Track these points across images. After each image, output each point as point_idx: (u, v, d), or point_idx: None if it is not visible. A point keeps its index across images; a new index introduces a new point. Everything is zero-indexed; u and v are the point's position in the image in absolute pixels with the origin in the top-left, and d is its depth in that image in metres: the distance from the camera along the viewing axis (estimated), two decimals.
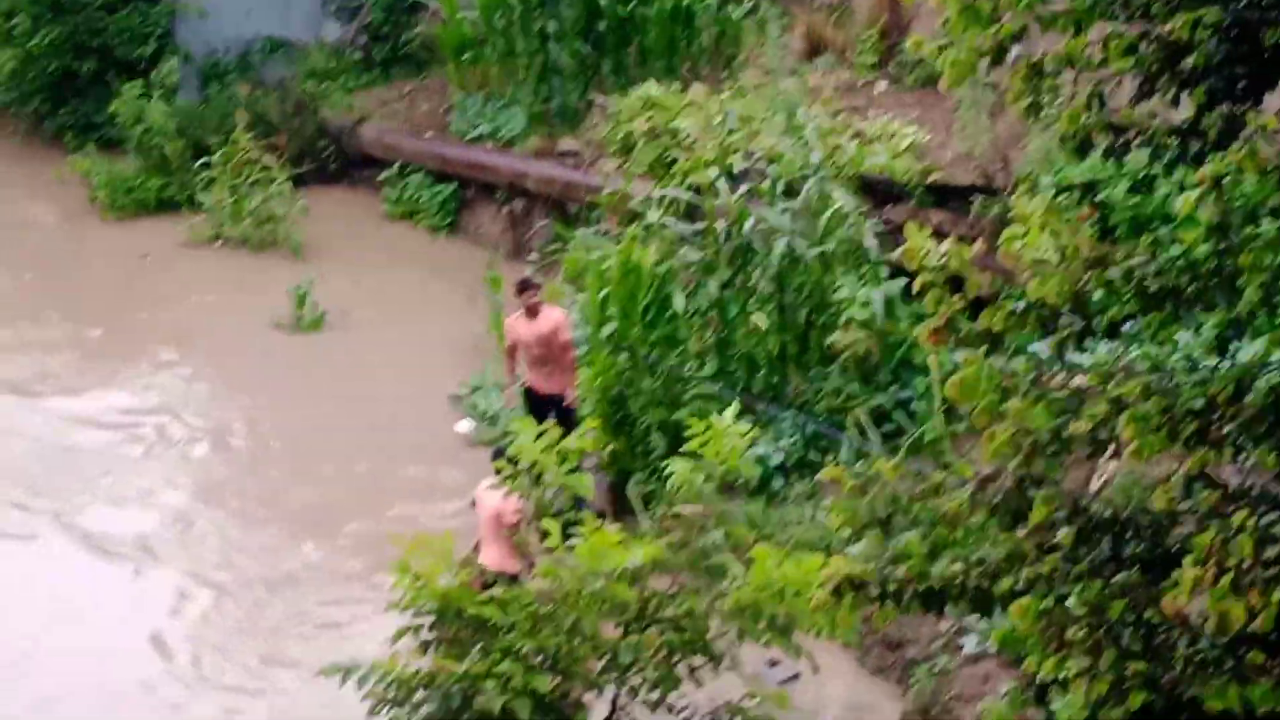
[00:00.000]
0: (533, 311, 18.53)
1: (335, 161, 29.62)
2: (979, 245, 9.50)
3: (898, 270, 18.04)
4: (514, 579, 15.00)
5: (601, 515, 15.27)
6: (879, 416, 18.33)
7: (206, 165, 27.75)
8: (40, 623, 17.10)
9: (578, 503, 14.37)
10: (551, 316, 18.62)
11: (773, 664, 15.47)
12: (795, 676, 15.33)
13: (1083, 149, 9.41)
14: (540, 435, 13.98)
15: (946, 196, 20.51)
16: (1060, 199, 9.68)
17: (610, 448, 18.08)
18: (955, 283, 9.38)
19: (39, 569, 18.36)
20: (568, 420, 17.79)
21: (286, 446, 20.85)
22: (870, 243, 19.04)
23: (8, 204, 28.91)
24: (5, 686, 16.05)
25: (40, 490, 19.73)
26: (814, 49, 26.15)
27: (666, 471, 14.75)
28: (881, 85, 24.70)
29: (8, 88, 30.68)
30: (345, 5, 31.45)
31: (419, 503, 18.91)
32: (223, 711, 15.65)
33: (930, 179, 20.92)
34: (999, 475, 9.32)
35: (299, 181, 27.95)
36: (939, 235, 9.73)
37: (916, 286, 9.42)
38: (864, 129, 22.36)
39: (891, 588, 9.48)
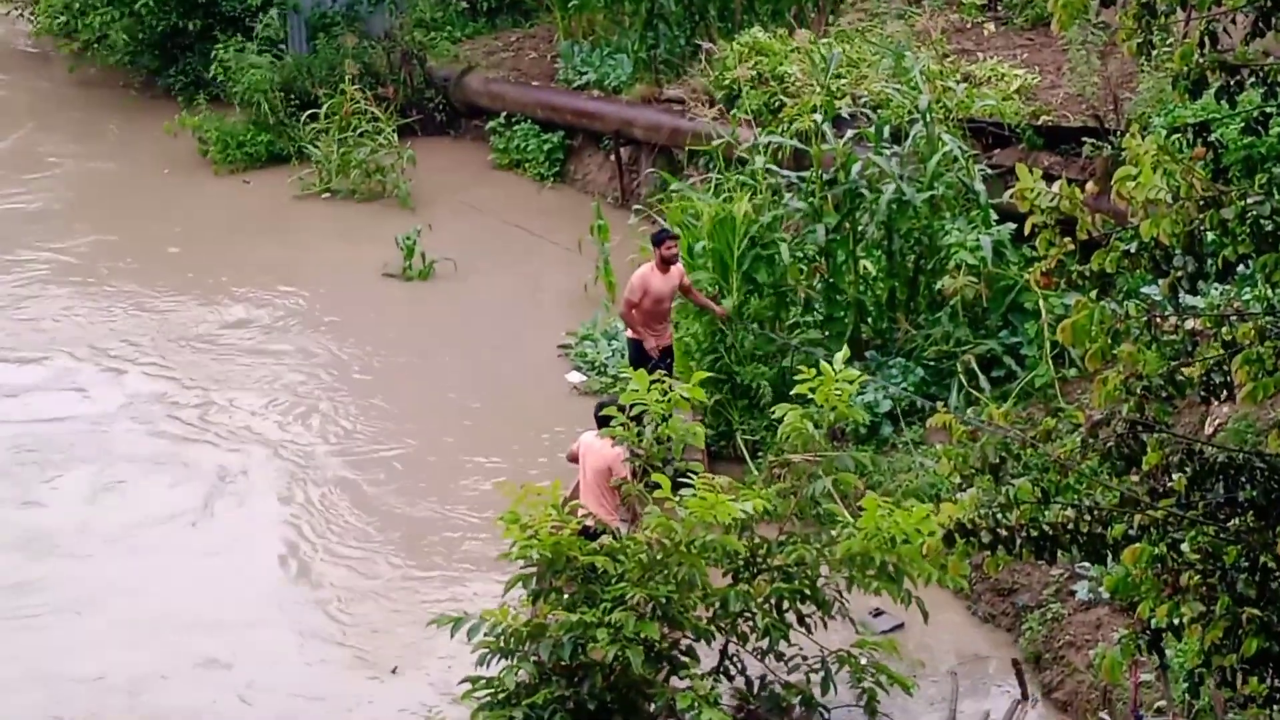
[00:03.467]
0: (667, 263, 18.41)
1: (442, 112, 29.68)
2: (1090, 186, 9.38)
3: (1006, 214, 17.90)
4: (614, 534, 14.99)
5: (701, 461, 15.23)
6: (988, 362, 18.21)
7: (315, 118, 27.86)
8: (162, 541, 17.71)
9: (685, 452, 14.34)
10: (678, 269, 18.47)
11: (877, 613, 15.42)
12: (899, 626, 15.27)
13: (1195, 89, 9.28)
14: (653, 385, 13.95)
15: (1056, 139, 20.31)
16: (1173, 139, 9.55)
17: (714, 398, 18.03)
18: (1066, 225, 9.27)
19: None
20: (670, 372, 17.78)
21: (395, 394, 20.92)
22: (979, 187, 18.89)
23: (126, 159, 29.20)
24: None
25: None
26: None
27: (774, 419, 14.72)
28: (990, 27, 24.52)
29: (120, 47, 30.83)
30: None
31: (526, 452, 18.91)
32: (337, 661, 15.71)
33: (1040, 121, 20.74)
34: (1111, 420, 9.22)
35: (406, 132, 28.08)
36: (1049, 178, 9.58)
37: (1027, 229, 9.32)
38: (972, 71, 22.20)
39: (1002, 534, 9.40)
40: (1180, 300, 9.21)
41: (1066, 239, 9.22)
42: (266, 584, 17.13)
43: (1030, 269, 9.63)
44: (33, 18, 33.29)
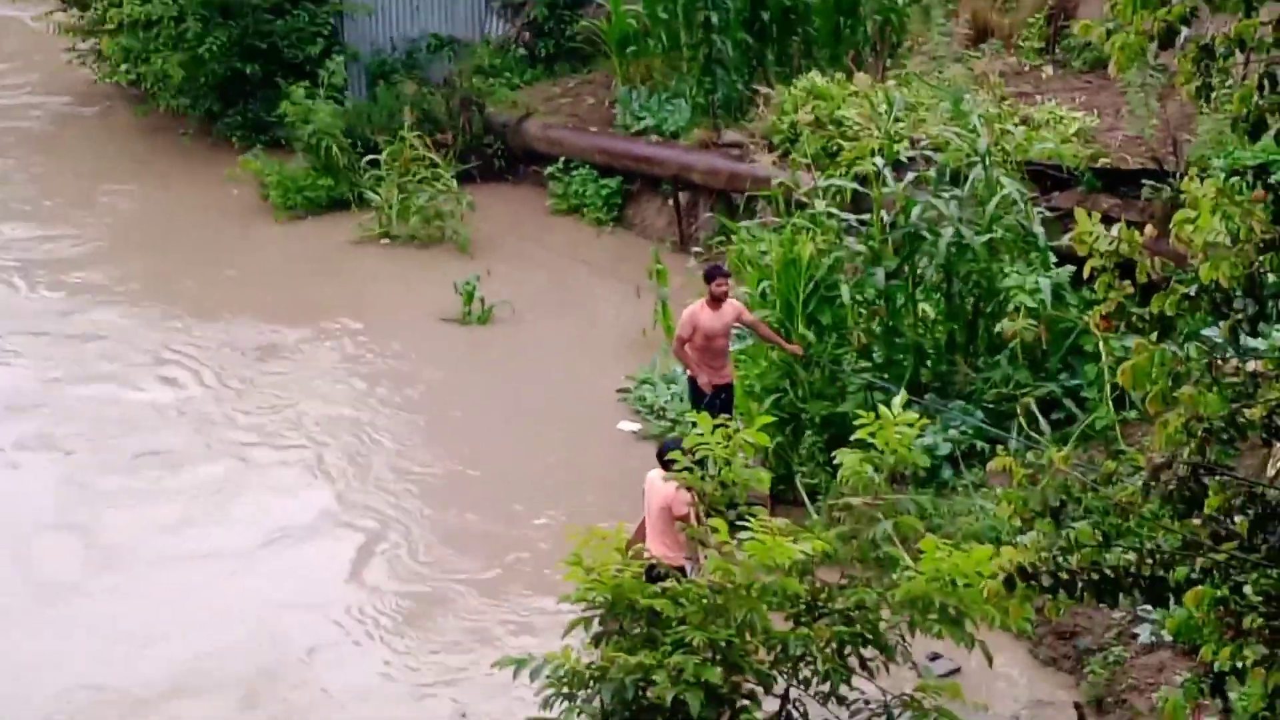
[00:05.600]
0: (718, 301, 18.48)
1: (500, 157, 29.82)
2: (1150, 229, 9.38)
3: (1066, 257, 17.90)
4: (680, 570, 15.01)
5: (763, 505, 15.24)
6: (1048, 405, 18.19)
7: (375, 164, 28.03)
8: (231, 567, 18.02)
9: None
10: (733, 306, 18.55)
11: (934, 657, 15.38)
12: (957, 670, 15.23)
13: (1255, 131, 9.27)
14: (717, 428, 13.95)
15: (1115, 181, 20.31)
16: (1232, 182, 9.56)
17: (775, 441, 18.04)
18: (1126, 268, 9.27)
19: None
20: (730, 411, 17.82)
21: (453, 438, 21.02)
22: (1038, 229, 18.89)
23: (185, 204, 29.36)
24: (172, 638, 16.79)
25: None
26: (979, 34, 26.05)
27: (835, 463, 14.72)
28: (1048, 70, 24.56)
29: (179, 90, 31.07)
30: (509, 2, 31.73)
31: (583, 496, 18.95)
32: (398, 711, 15.78)
33: (1099, 163, 20.72)
34: (1172, 463, 9.19)
35: (465, 178, 28.21)
36: (1108, 220, 9.60)
37: (1086, 272, 9.32)
38: (1031, 114, 22.20)
39: (1064, 577, 9.38)
40: (1241, 342, 9.19)
41: (1126, 282, 9.22)
42: (327, 619, 17.27)
43: (1090, 312, 9.64)
44: (95, 66, 33.52)
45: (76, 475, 20.29)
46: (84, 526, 19.10)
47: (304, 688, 16.09)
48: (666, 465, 14.96)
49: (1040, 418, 17.85)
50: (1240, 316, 9.02)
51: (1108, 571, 9.32)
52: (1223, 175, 15.54)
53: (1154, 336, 9.24)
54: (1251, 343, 10.38)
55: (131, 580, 17.99)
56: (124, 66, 31.93)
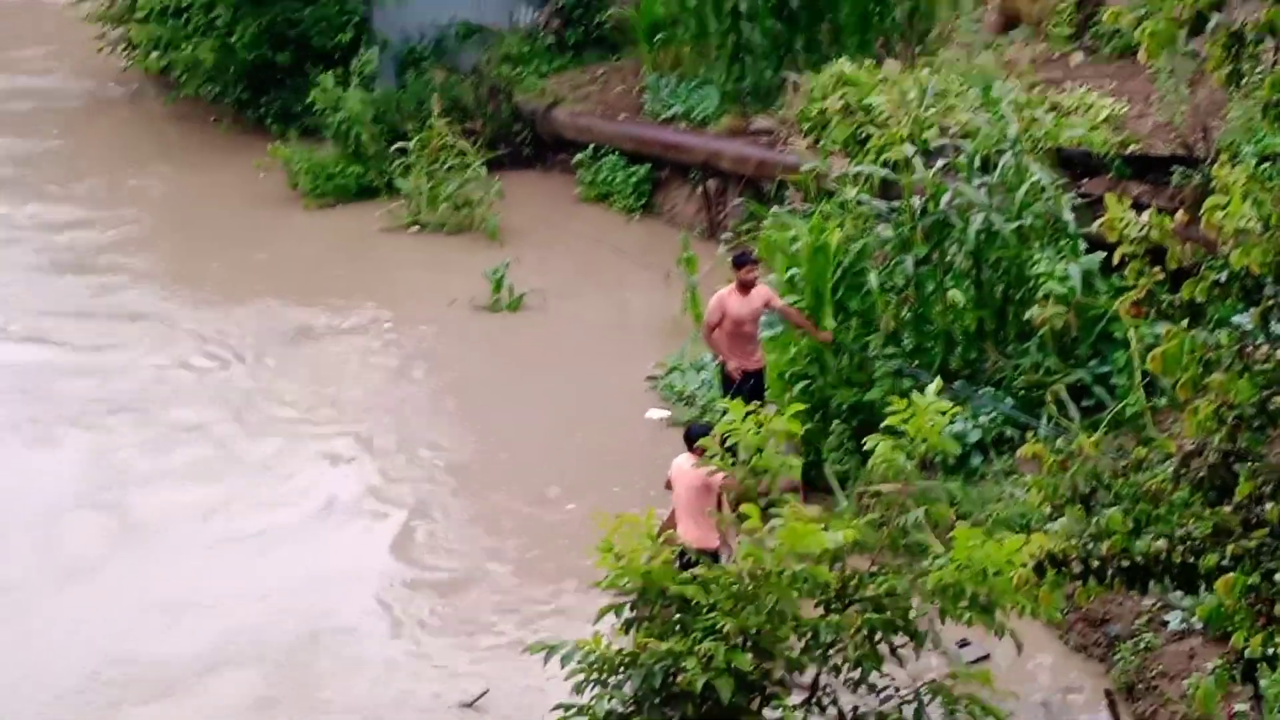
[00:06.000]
0: (746, 287, 18.50)
1: (529, 145, 29.85)
2: (1180, 216, 9.38)
3: (1096, 243, 17.88)
4: (714, 555, 15.04)
5: (795, 491, 15.26)
6: (1078, 392, 18.17)
7: (404, 151, 28.06)
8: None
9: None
10: (762, 293, 18.56)
11: (963, 643, 15.37)
12: (986, 656, 15.22)
13: None
14: (749, 415, 13.97)
15: (1145, 168, 20.27)
16: (1263, 168, 9.55)
17: (805, 428, 18.04)
18: (1156, 254, 9.27)
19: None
20: (760, 397, 17.84)
21: (482, 424, 21.09)
22: (1068, 216, 18.86)
23: (215, 191, 29.50)
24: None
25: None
26: (1008, 22, 26.00)
27: (865, 450, 14.72)
28: (1078, 57, 24.50)
29: (209, 78, 31.14)
30: None
31: (613, 483, 18.97)
32: (437, 693, 15.83)
33: (1129, 150, 20.69)
34: (1203, 450, 9.20)
35: (494, 165, 28.18)
36: (1138, 207, 9.59)
37: (1116, 259, 9.32)
38: (1060, 101, 22.16)
39: (1094, 565, 9.38)
40: (1271, 329, 9.18)
41: (1156, 268, 9.22)
42: (359, 596, 17.45)
43: (1120, 298, 9.63)
44: (126, 54, 33.60)
45: (112, 452, 20.59)
46: (119, 503, 19.35)
47: (334, 662, 16.25)
48: (693, 449, 15.05)
49: (1070, 404, 17.83)
50: (1271, 303, 9.02)
51: (1138, 559, 9.32)
52: (1254, 161, 15.57)
53: (1184, 323, 9.24)
54: None
55: (167, 556, 18.23)
56: (154, 54, 31.98)
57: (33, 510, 19.17)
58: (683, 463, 15.66)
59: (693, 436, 15.71)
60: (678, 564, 13.43)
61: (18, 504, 19.33)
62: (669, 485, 16.13)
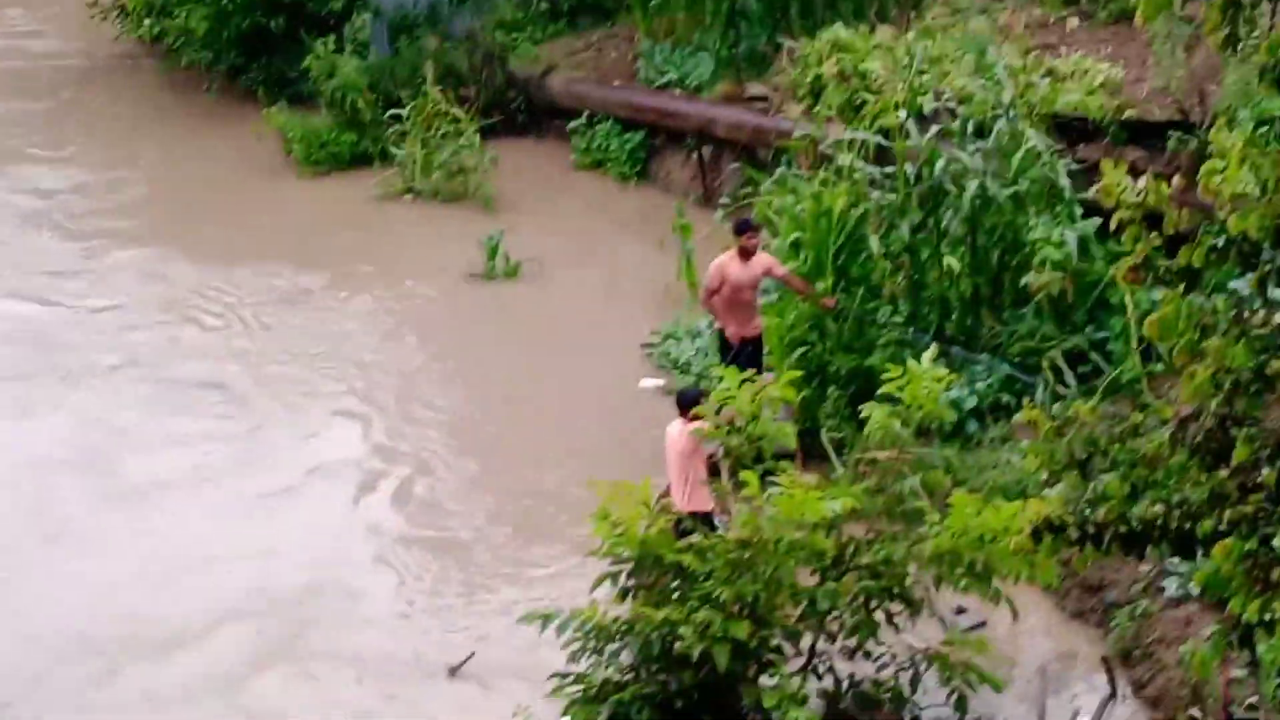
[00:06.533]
0: (747, 254, 18.45)
1: (524, 112, 29.71)
2: (1177, 181, 9.35)
3: (1091, 209, 17.85)
4: (706, 518, 15.04)
5: (791, 458, 15.26)
6: (1074, 358, 18.15)
7: (398, 119, 27.97)
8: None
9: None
10: (762, 260, 18.52)
11: (960, 610, 15.37)
12: (982, 624, 15.22)
13: None
14: (744, 383, 13.97)
15: (1141, 133, 20.22)
16: (1261, 132, 9.52)
17: (801, 395, 18.03)
18: (1153, 220, 9.24)
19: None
20: (758, 364, 17.83)
21: (477, 392, 21.11)
22: (1064, 182, 18.82)
23: (209, 160, 29.37)
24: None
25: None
26: None
27: (861, 417, 14.72)
28: (1073, 22, 24.38)
29: (202, 44, 31.03)
30: None
31: (608, 450, 18.96)
32: (426, 654, 15.85)
33: (1124, 115, 20.63)
34: (1200, 415, 9.19)
35: (488, 133, 28.06)
36: (1134, 172, 9.56)
37: (1113, 224, 9.29)
38: (1056, 66, 22.07)
39: (1091, 530, 9.38)
40: (1269, 294, 9.16)
41: (1153, 234, 9.19)
42: (357, 556, 17.68)
43: (1116, 264, 9.61)
44: (119, 22, 33.46)
45: (108, 411, 20.79)
46: (115, 461, 19.53)
47: (331, 618, 16.47)
48: (685, 414, 15.07)
49: (1067, 370, 17.82)
50: (1268, 268, 9.01)
51: (1135, 524, 9.32)
52: (1251, 126, 15.53)
53: (1181, 288, 9.22)
54: (1279, 294, 10.32)
55: (166, 514, 18.43)
56: (147, 21, 31.84)
57: (23, 469, 19.33)
58: (674, 428, 15.65)
59: (685, 401, 15.70)
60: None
61: (7, 462, 19.50)
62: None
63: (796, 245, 19.20)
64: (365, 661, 15.73)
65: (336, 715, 15.10)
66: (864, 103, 22.19)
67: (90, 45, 34.68)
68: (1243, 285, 9.65)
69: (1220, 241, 9.04)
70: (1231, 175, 8.90)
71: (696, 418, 14.58)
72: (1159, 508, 9.30)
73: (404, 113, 27.82)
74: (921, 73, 21.53)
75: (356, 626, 16.31)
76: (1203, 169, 9.08)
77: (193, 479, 19.09)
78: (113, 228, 26.86)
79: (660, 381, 20.70)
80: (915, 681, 13.74)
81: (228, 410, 20.79)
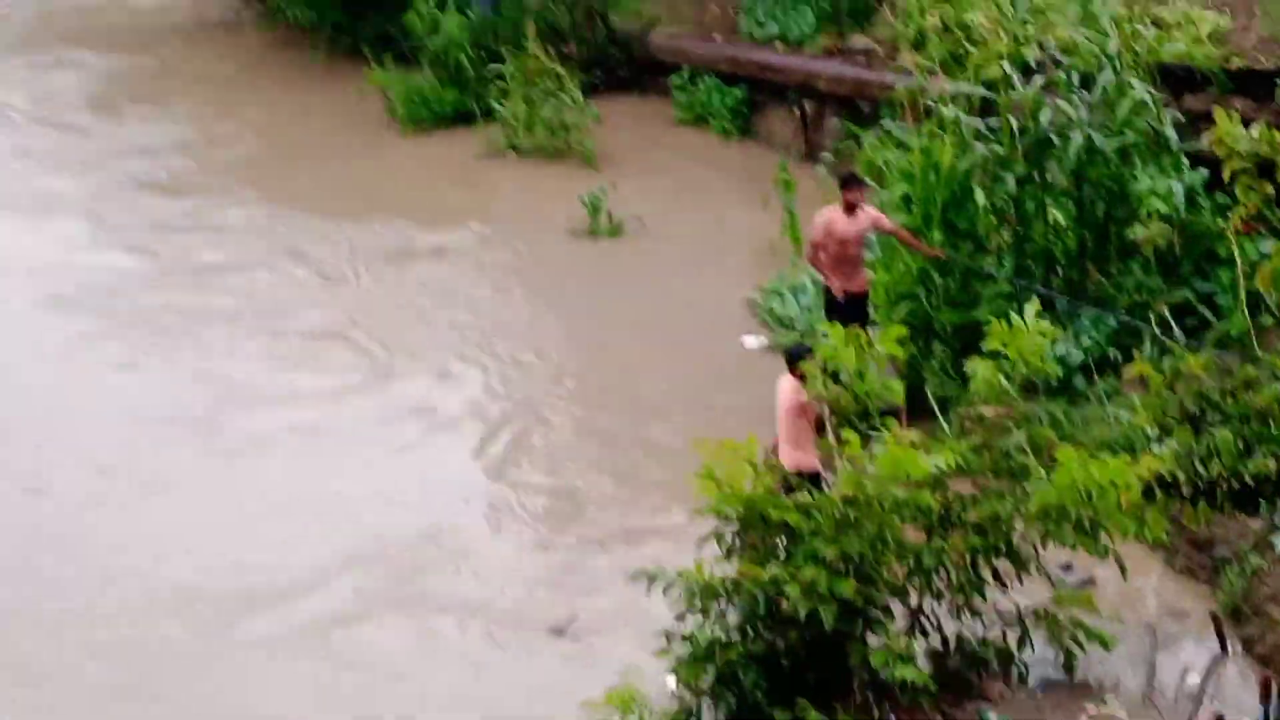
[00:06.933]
0: (852, 208, 18.34)
1: (625, 68, 29.67)
2: None
3: (1198, 160, 17.65)
4: (814, 477, 14.98)
5: (897, 414, 15.18)
6: (1181, 311, 17.97)
7: (500, 77, 27.97)
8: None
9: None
10: (869, 214, 18.43)
11: (1067, 567, 15.23)
12: (1090, 581, 15.08)
13: None
14: (849, 339, 13.88)
15: (1249, 82, 19.97)
16: None
17: (907, 350, 17.92)
18: (1264, 170, 9.12)
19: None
20: (864, 319, 17.74)
21: (585, 348, 21.22)
22: (1170, 133, 18.62)
23: (312, 118, 29.59)
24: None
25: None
26: None
27: (966, 373, 14.62)
28: None
29: (306, 3, 31.14)
30: None
31: (713, 407, 18.94)
32: (534, 608, 15.91)
33: (1232, 65, 20.37)
34: None
35: (590, 89, 28.08)
36: (1244, 122, 9.43)
37: (1226, 175, 9.17)
38: (1161, 15, 21.80)
39: (1202, 486, 9.29)
40: None
41: (1266, 183, 9.08)
42: (469, 507, 17.77)
43: (1224, 216, 9.50)
44: None
45: (220, 362, 21.07)
46: (227, 414, 19.67)
47: (443, 568, 16.62)
48: (793, 370, 15.01)
49: (1173, 325, 17.65)
50: None
51: (1249, 480, 9.22)
52: None
53: None
54: None
55: (278, 465, 18.62)
56: None
57: (139, 422, 19.45)
58: (783, 384, 15.59)
59: (793, 358, 15.60)
60: (782, 488, 13.40)
61: (122, 414, 19.64)
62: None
63: (907, 199, 19.08)
64: (474, 612, 15.82)
65: (445, 664, 15.18)
66: (967, 54, 22.01)
67: (195, 3, 34.86)
68: None
69: None
70: None
71: (804, 374, 14.48)
72: (1272, 463, 9.20)
73: (506, 70, 27.81)
74: (1025, 23, 21.31)
75: (466, 577, 16.43)
76: None
77: (311, 429, 19.28)
78: (219, 183, 27.09)
79: (764, 338, 20.66)
80: (1023, 640, 13.64)
81: (340, 363, 20.98)
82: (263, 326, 21.98)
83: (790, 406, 15.36)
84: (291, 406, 19.84)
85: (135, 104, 30.56)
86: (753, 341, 20.69)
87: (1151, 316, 17.73)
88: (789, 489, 13.56)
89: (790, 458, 15.20)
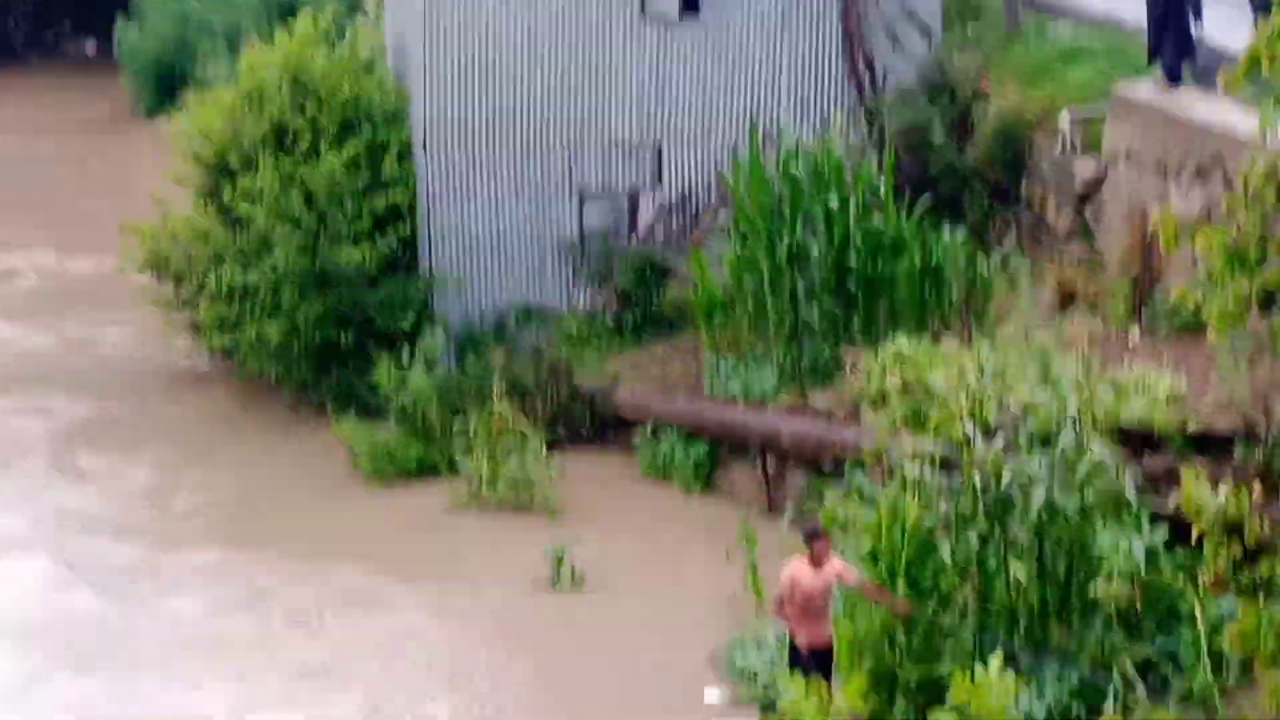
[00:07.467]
0: (818, 561, 18.54)
1: (589, 424, 29.96)
2: (1258, 491, 9.46)
3: (1158, 519, 17.93)
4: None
5: None
6: (1144, 668, 18.07)
7: (464, 431, 28.25)
8: None
9: None
10: (834, 566, 18.64)
11: None
12: None
13: None
14: (809, 692, 13.99)
15: (1206, 445, 20.32)
16: None
17: (870, 704, 17.98)
18: (1230, 530, 9.33)
19: None
20: (827, 673, 17.82)
21: (545, 702, 21.20)
22: (1130, 492, 18.89)
23: (278, 472, 29.69)
24: None
25: None
26: (1065, 301, 26.21)
27: None
28: (1135, 335, 24.64)
29: (275, 357, 31.52)
30: (596, 272, 32.03)
31: None
32: None
33: (1189, 427, 20.75)
34: None
35: (554, 443, 28.35)
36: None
37: (1194, 535, 9.39)
38: (1119, 378, 22.27)
39: None
40: None
41: (1233, 544, 9.28)
42: None
43: (1186, 574, 9.71)
44: (193, 336, 33.92)
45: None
46: None
47: None
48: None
49: (1138, 681, 17.73)
50: None
51: None
52: None
53: (1261, 599, 9.28)
54: None
55: None
56: (218, 335, 32.29)
57: None
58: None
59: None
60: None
61: None
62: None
63: (873, 554, 19.28)
64: None
65: None
66: (927, 413, 22.41)
67: (163, 354, 35.16)
68: None
69: None
70: None
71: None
72: None
73: (471, 425, 28.11)
74: (986, 384, 21.74)
75: None
76: None
77: None
78: (178, 530, 27.19)
79: (724, 691, 20.68)
80: None
81: (313, 700, 21.24)
82: (229, 667, 22.04)
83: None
84: None
85: (98, 452, 30.65)
86: (715, 695, 20.70)
87: (1115, 673, 17.82)
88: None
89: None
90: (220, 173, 32.20)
